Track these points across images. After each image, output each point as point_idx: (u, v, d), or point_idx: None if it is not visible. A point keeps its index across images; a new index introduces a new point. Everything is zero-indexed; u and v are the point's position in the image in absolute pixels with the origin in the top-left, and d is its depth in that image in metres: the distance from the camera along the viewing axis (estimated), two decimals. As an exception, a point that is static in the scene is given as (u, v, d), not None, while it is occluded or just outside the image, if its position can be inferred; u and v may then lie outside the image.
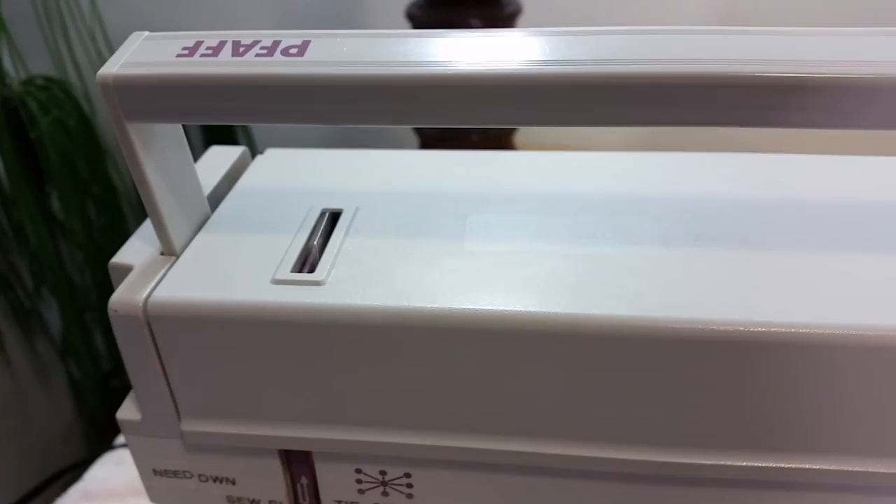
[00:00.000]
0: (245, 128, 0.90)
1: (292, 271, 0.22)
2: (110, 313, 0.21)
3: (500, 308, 0.20)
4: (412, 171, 0.27)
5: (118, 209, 0.98)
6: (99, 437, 1.20)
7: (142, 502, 0.56)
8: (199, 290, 0.21)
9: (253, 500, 0.24)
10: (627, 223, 0.23)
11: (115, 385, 1.19)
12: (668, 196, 0.24)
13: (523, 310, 0.20)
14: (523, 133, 0.68)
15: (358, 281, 0.21)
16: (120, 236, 1.01)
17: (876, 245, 0.21)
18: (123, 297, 0.21)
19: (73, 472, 0.59)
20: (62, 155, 0.88)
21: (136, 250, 0.23)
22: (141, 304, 0.21)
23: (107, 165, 0.96)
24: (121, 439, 0.60)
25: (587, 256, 0.22)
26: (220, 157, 0.28)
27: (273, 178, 0.27)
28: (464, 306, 0.20)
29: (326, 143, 0.29)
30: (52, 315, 1.11)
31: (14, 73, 0.89)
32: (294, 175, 0.27)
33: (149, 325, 0.21)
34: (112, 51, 0.87)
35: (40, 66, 0.95)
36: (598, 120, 0.18)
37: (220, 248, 0.23)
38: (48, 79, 0.91)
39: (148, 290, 0.21)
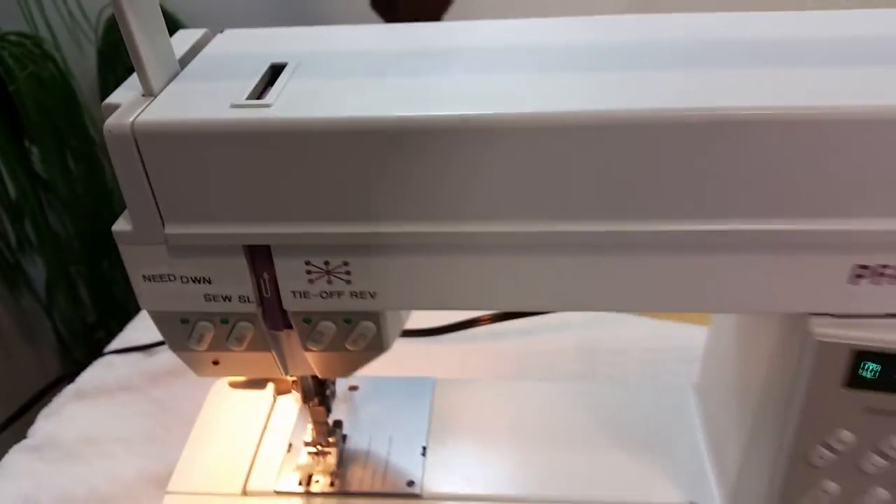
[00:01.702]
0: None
1: (247, 98, 0.28)
2: (105, 134, 0.27)
3: (417, 113, 0.26)
4: (349, 38, 0.33)
5: (96, 159, 1.02)
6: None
7: (130, 398, 0.62)
8: (173, 113, 0.27)
9: (225, 297, 0.31)
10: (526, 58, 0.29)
11: (99, 336, 1.24)
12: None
13: (440, 114, 0.26)
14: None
15: (298, 104, 0.27)
16: (99, 186, 1.06)
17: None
18: (116, 121, 0.27)
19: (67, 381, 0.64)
20: (40, 107, 0.93)
21: (123, 95, 0.29)
22: (129, 125, 0.27)
23: (83, 118, 1.00)
24: (110, 347, 0.66)
25: (496, 80, 0.28)
26: (187, 35, 0.34)
27: (232, 47, 0.33)
28: (381, 114, 0.26)
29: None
30: (35, 272, 1.15)
31: (-15, 32, 0.93)
32: (250, 45, 0.33)
33: (136, 141, 0.27)
34: (82, 10, 0.92)
35: (10, 25, 0.98)
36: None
37: (189, 90, 0.29)
38: (22, 34, 0.95)
39: (134, 116, 0.27)
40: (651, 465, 0.41)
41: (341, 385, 0.47)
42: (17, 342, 1.23)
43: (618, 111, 0.26)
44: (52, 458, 0.56)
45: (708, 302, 0.30)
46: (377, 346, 0.33)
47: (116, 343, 0.67)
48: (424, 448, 0.43)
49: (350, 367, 0.35)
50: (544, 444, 0.42)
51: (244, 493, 0.41)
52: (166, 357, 0.64)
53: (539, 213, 0.28)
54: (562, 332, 0.62)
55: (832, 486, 0.32)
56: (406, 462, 0.42)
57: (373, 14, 0.73)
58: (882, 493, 0.32)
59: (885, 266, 0.28)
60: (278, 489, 0.41)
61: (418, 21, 0.35)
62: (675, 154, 0.26)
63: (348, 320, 0.32)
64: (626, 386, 0.47)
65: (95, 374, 0.63)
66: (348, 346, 0.33)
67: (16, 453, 0.57)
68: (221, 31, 0.34)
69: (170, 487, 0.42)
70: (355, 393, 0.47)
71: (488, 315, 0.57)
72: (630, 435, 0.42)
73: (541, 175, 0.27)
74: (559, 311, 0.30)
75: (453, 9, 0.69)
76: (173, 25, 0.95)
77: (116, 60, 1.06)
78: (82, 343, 1.22)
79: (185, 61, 0.32)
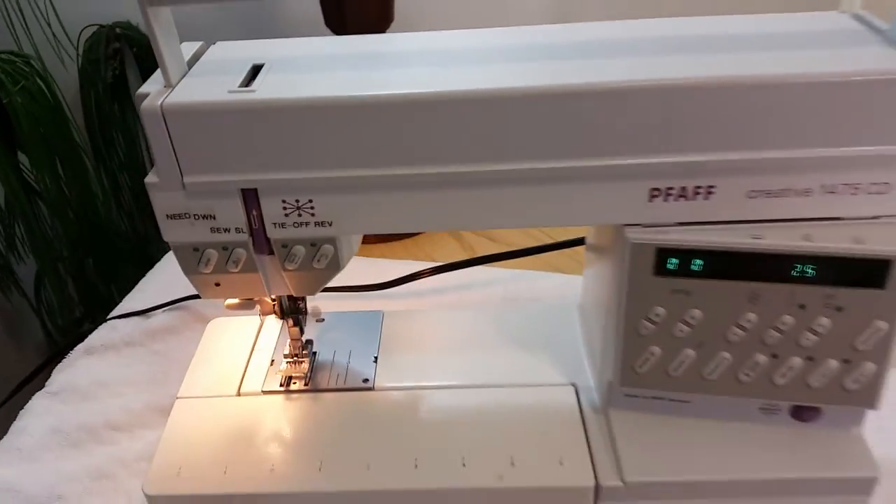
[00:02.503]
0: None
1: (238, 87, 0.41)
2: (142, 113, 0.40)
3: (355, 94, 0.39)
4: (310, 46, 0.46)
5: (82, 164, 1.14)
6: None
7: (133, 351, 0.74)
8: (189, 97, 0.40)
9: (226, 229, 0.44)
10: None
11: (85, 330, 1.34)
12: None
13: (371, 94, 0.39)
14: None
15: (274, 89, 0.40)
16: (84, 189, 1.17)
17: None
18: (149, 103, 0.40)
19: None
20: (31, 118, 1.04)
21: (149, 87, 0.42)
22: (159, 106, 0.40)
23: (70, 127, 1.11)
24: (113, 314, 0.77)
25: (414, 72, 0.41)
26: (189, 46, 0.46)
27: (224, 54, 0.46)
28: (332, 94, 0.39)
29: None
30: (22, 272, 1.24)
31: (-21, 52, 1.04)
32: (236, 52, 0.46)
33: (164, 117, 0.40)
34: (65, 31, 1.07)
35: (1, 45, 1.09)
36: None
37: (197, 82, 0.42)
38: (12, 53, 1.06)
39: (161, 100, 0.40)
40: (544, 360, 0.54)
41: (310, 320, 0.59)
42: (5, 337, 1.31)
43: (499, 89, 0.39)
44: (71, 399, 0.67)
45: (561, 218, 0.44)
46: (335, 265, 0.46)
47: (117, 311, 0.79)
48: (376, 357, 0.56)
49: (316, 284, 0.48)
50: (467, 349, 0.56)
51: (238, 394, 0.54)
52: (161, 318, 0.76)
53: (443, 158, 0.41)
54: (491, 285, 0.76)
55: (656, 350, 0.46)
56: (362, 367, 0.55)
57: (326, 30, 0.86)
58: (689, 352, 0.46)
59: (670, 188, 0.42)
60: (264, 389, 0.54)
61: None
62: (534, 119, 0.40)
63: (314, 244, 0.45)
64: (529, 308, 0.61)
65: (101, 334, 0.75)
66: (314, 265, 0.46)
67: (38, 399, 0.68)
68: (214, 43, 0.47)
69: (179, 394, 0.54)
70: (322, 324, 0.59)
71: (429, 268, 0.71)
72: (531, 340, 0.56)
73: (444, 132, 0.40)
74: (460, 229, 0.43)
75: (392, 27, 0.83)
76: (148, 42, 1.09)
77: (96, 76, 1.17)
78: (70, 336, 1.32)
79: (190, 64, 0.45)
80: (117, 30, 1.14)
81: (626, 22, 0.47)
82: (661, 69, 0.40)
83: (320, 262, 0.45)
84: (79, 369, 0.71)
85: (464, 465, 0.48)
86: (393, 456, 0.48)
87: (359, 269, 0.79)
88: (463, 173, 0.41)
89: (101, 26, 1.15)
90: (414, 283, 0.74)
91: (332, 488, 0.47)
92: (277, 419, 0.52)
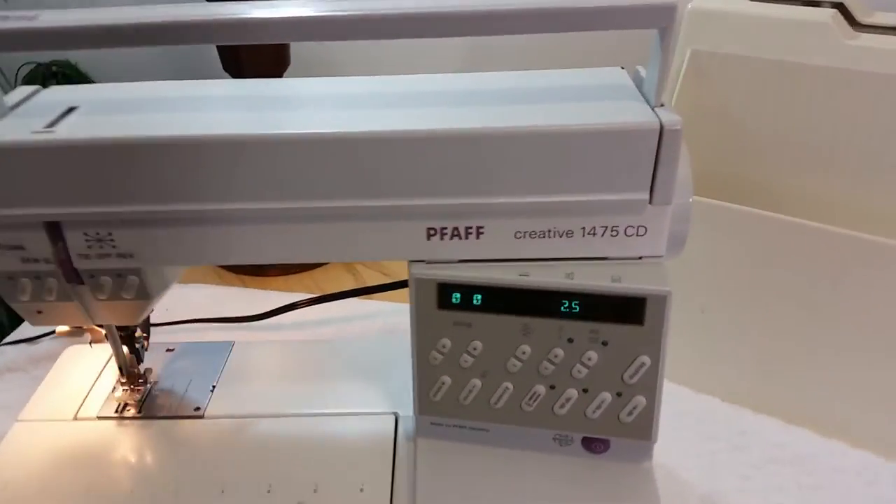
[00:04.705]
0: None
1: (44, 128, 0.44)
2: (-52, 150, 0.43)
3: (135, 134, 0.43)
4: (132, 90, 0.50)
5: None
6: None
7: (14, 376, 0.76)
8: (-7, 138, 0.43)
9: (35, 259, 0.46)
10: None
11: None
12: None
13: (149, 134, 0.43)
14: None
15: (71, 130, 0.44)
16: None
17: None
18: (-45, 142, 0.43)
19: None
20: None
21: (-34, 127, 0.45)
22: (-37, 145, 0.43)
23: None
24: (6, 340, 0.79)
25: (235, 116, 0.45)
26: (24, 90, 0.50)
27: (52, 98, 0.49)
28: (115, 135, 0.43)
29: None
30: None
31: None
32: (63, 96, 0.49)
33: (-32, 155, 0.43)
34: (2, 70, 1.10)
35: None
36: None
37: (11, 123, 0.45)
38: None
39: (-33, 139, 0.43)
40: (375, 389, 0.57)
41: (160, 348, 0.62)
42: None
43: (286, 134, 0.42)
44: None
45: (351, 254, 0.46)
46: (144, 295, 0.48)
47: (11, 337, 0.81)
48: (214, 386, 0.58)
49: (133, 314, 0.50)
50: (304, 379, 0.58)
51: (75, 418, 0.56)
52: (46, 346, 0.79)
53: (230, 196, 0.44)
54: (372, 318, 0.79)
55: (447, 379, 0.48)
56: (197, 395, 0.57)
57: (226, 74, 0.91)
58: (476, 381, 0.48)
59: (444, 228, 0.45)
60: (99, 415, 0.56)
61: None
62: (319, 161, 0.43)
63: (120, 275, 0.47)
64: (370, 340, 0.64)
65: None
66: (124, 295, 0.48)
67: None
68: (47, 88, 0.51)
69: (19, 417, 0.56)
70: (170, 353, 0.62)
71: (306, 299, 0.74)
72: (366, 371, 0.59)
73: (227, 172, 0.43)
74: (248, 262, 0.46)
75: (290, 71, 0.87)
76: (86, 80, 1.14)
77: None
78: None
79: (16, 107, 0.48)
80: (53, 67, 1.19)
81: (428, 75, 0.50)
82: (435, 120, 0.43)
83: (129, 292, 0.48)
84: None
85: (269, 491, 0.50)
86: (202, 482, 0.50)
87: (247, 298, 0.82)
88: (248, 210, 0.44)
89: (39, 64, 1.20)
90: (297, 314, 0.77)
91: (141, 511, 0.49)
92: (105, 445, 0.54)
